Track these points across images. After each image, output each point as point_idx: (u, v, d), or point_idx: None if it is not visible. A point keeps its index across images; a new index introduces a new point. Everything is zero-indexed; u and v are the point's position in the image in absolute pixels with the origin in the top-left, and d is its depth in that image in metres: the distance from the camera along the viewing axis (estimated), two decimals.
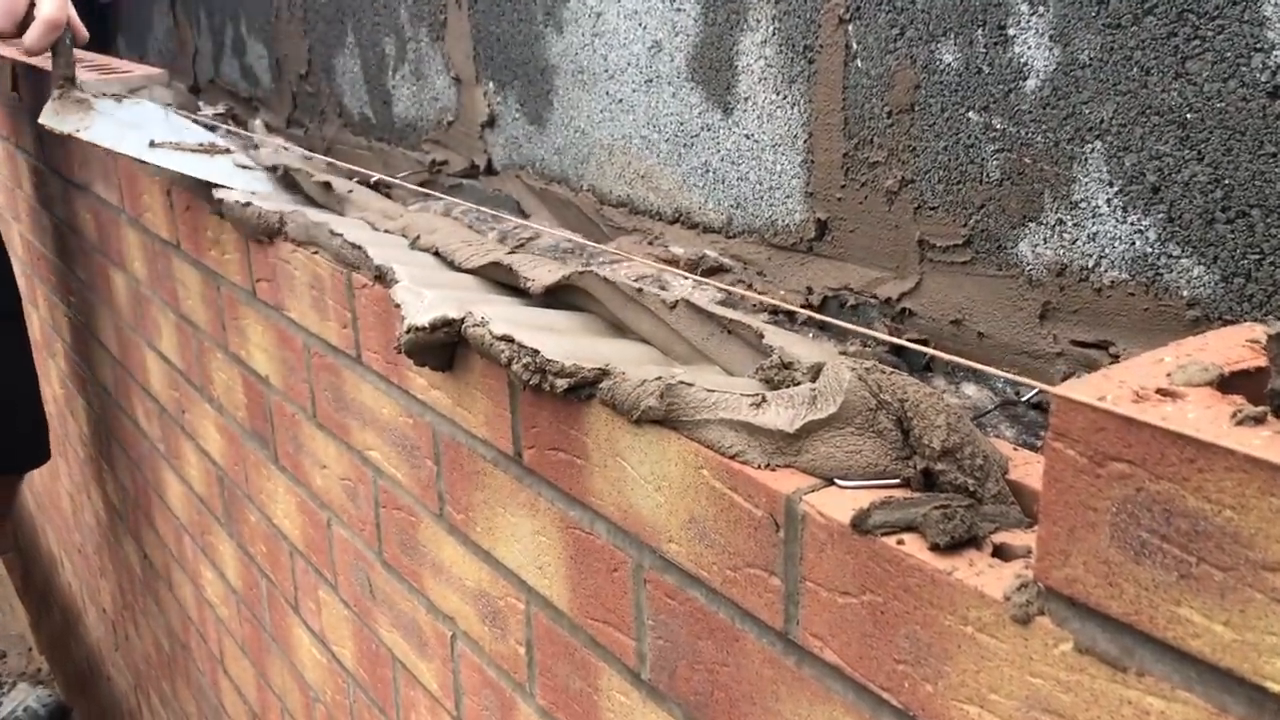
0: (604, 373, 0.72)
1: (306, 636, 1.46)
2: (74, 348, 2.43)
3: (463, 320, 0.82)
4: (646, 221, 1.13)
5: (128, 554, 2.46)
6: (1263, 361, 0.48)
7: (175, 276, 1.60)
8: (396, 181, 1.31)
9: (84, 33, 1.53)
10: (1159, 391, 0.45)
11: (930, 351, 0.60)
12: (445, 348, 0.87)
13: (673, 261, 1.02)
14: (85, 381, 2.42)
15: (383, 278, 0.99)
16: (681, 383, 0.67)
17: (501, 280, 0.96)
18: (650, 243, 1.11)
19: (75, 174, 2.01)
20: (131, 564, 2.45)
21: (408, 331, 0.85)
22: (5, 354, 2.22)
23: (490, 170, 1.37)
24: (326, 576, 1.33)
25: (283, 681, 1.61)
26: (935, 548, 0.55)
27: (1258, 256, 0.65)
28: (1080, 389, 0.46)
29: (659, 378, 0.67)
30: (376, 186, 1.36)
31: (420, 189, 1.24)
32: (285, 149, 1.44)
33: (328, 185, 1.24)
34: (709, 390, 0.66)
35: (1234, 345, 0.50)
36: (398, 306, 0.88)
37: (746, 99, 0.96)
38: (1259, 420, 0.42)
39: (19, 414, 2.27)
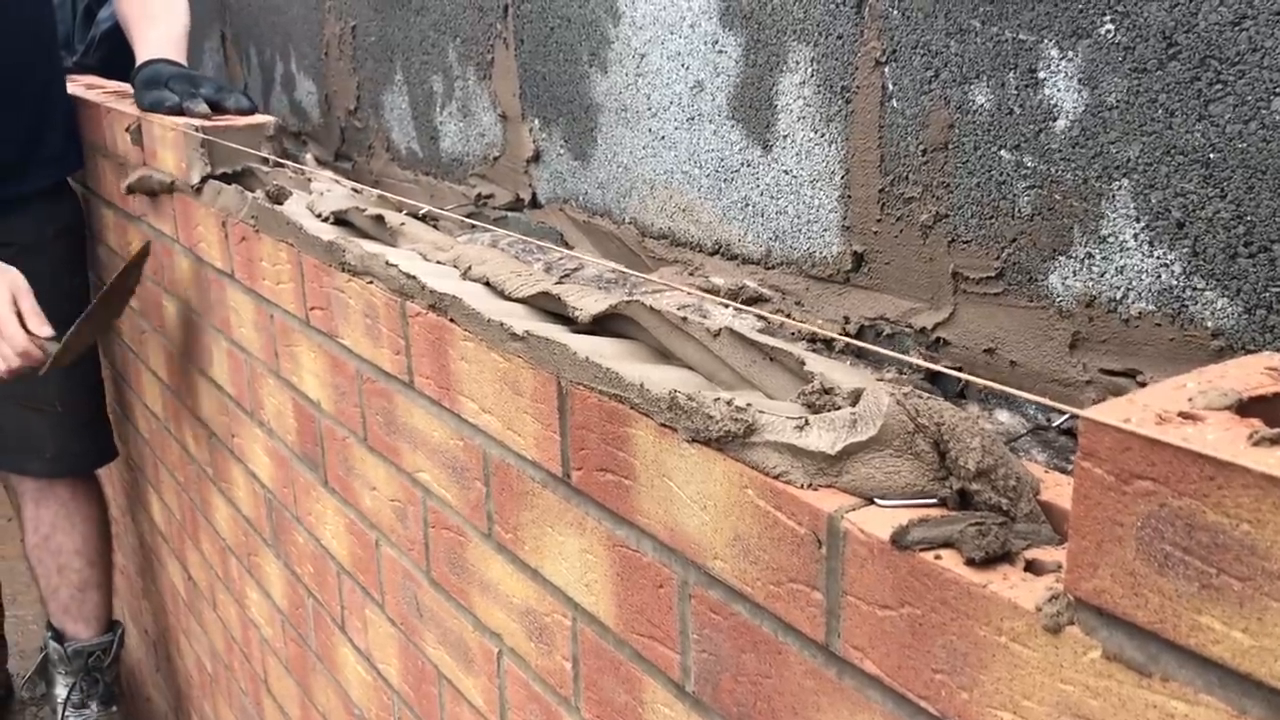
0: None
1: (352, 655, 1.50)
2: (122, 374, 2.50)
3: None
4: (687, 253, 1.17)
5: (171, 576, 2.52)
6: (1279, 388, 0.51)
7: (229, 305, 1.66)
8: (445, 214, 1.36)
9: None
10: (1181, 414, 0.49)
11: (966, 377, 0.64)
12: None
13: (713, 291, 1.06)
14: (132, 407, 2.49)
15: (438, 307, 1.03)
16: (750, 406, 0.71)
17: (550, 309, 1.00)
18: (690, 273, 1.16)
19: (129, 205, 2.08)
20: (175, 586, 2.50)
21: None
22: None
23: (535, 204, 1.42)
24: (374, 595, 1.37)
25: (327, 700, 1.65)
26: (971, 562, 0.58)
27: (1279, 290, 0.68)
28: (1107, 412, 0.49)
29: (730, 401, 0.72)
30: (424, 219, 1.41)
31: (469, 221, 1.29)
32: (337, 182, 1.50)
33: (380, 218, 1.29)
34: (760, 412, 0.70)
35: (1253, 372, 0.53)
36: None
37: (786, 137, 1.01)
38: (1274, 441, 0.45)
39: (47, 424, 2.36)
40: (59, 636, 2.50)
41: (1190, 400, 0.50)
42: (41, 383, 2.28)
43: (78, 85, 2.41)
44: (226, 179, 1.63)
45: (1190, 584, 0.47)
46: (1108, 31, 0.73)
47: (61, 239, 2.27)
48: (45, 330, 1.82)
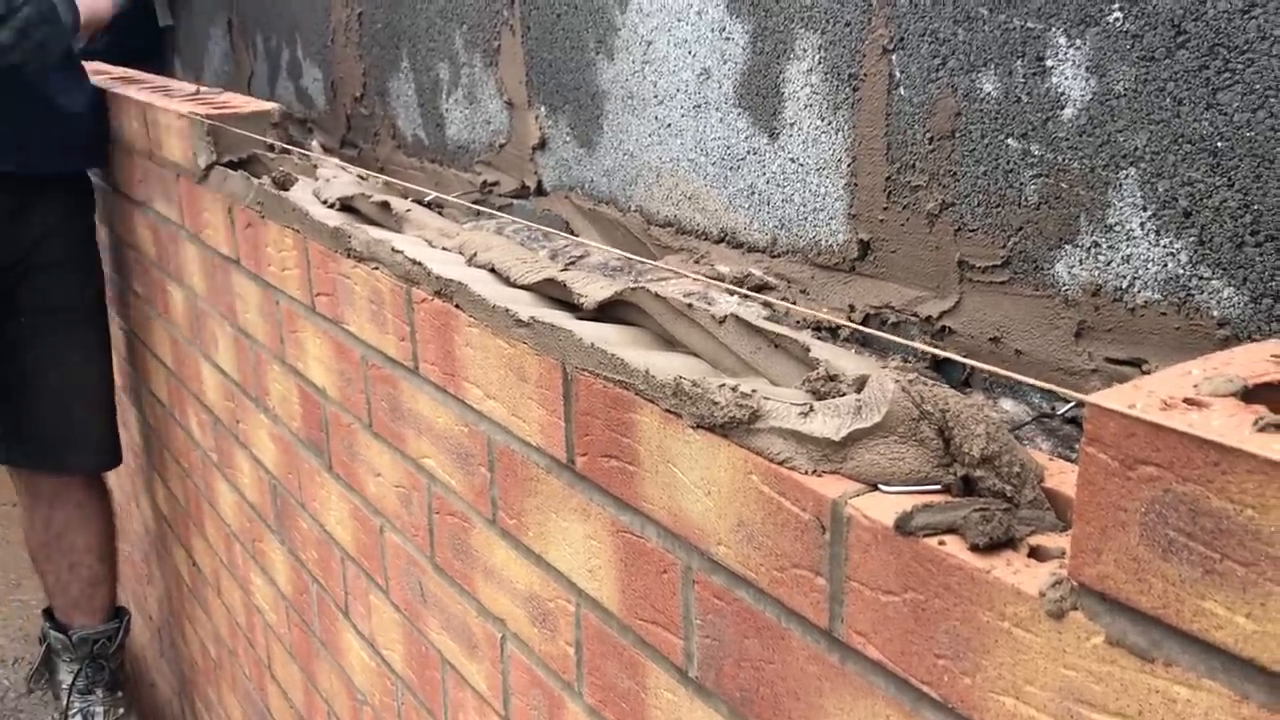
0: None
1: (356, 640, 1.50)
2: (129, 360, 2.50)
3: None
4: (692, 241, 1.17)
5: (176, 562, 2.52)
6: None
7: (234, 291, 1.66)
8: (451, 200, 1.36)
9: None
10: (1186, 401, 0.49)
11: (971, 363, 0.64)
12: None
13: (719, 279, 1.06)
14: (138, 393, 2.49)
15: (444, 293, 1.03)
16: (755, 392, 0.71)
17: (555, 296, 1.00)
18: (696, 261, 1.16)
19: (135, 191, 2.08)
20: (180, 572, 2.51)
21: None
22: (81, 351, 2.29)
23: (540, 191, 1.42)
24: (378, 581, 1.38)
25: (330, 685, 1.65)
26: (975, 548, 0.58)
27: None
28: (1112, 398, 0.49)
29: (735, 387, 0.72)
30: (429, 205, 1.41)
31: (475, 207, 1.29)
32: (343, 169, 1.50)
33: (386, 205, 1.29)
34: (765, 398, 0.70)
35: (1258, 360, 0.53)
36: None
37: (792, 124, 1.01)
38: (1279, 428, 0.45)
39: (92, 415, 2.33)
40: (60, 626, 2.51)
41: (1195, 386, 0.50)
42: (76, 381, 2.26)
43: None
44: (233, 166, 1.63)
45: (1194, 569, 0.47)
46: (1116, 19, 0.73)
47: (75, 218, 2.28)
48: None
